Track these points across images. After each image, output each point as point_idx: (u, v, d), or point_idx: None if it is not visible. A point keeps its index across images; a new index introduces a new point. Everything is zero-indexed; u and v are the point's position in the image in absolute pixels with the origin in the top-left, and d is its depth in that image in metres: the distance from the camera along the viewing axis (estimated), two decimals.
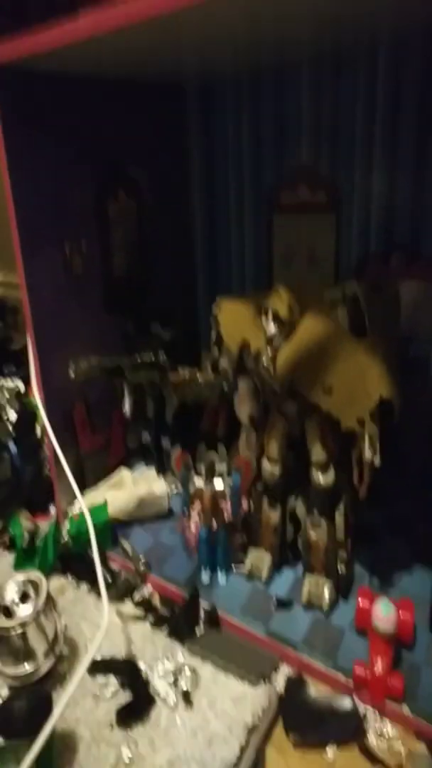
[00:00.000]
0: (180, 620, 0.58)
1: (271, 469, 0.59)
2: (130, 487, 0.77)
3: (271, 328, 0.54)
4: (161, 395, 0.78)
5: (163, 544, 0.71)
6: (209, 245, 0.92)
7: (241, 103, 0.80)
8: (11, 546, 0.74)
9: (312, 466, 0.57)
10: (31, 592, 0.56)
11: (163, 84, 0.80)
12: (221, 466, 0.62)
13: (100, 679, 0.54)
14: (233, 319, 0.58)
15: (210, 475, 0.62)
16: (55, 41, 0.51)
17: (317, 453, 0.56)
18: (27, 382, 1.13)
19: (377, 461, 0.50)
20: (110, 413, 0.81)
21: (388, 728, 0.48)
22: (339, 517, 0.58)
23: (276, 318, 0.54)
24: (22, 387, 1.07)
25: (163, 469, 0.82)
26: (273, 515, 0.61)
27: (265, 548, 0.62)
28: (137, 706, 0.50)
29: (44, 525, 0.74)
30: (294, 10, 0.46)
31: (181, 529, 0.67)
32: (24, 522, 0.73)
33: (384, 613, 0.48)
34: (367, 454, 0.50)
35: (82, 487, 0.76)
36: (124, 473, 0.79)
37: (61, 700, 0.43)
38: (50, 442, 0.71)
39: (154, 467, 0.82)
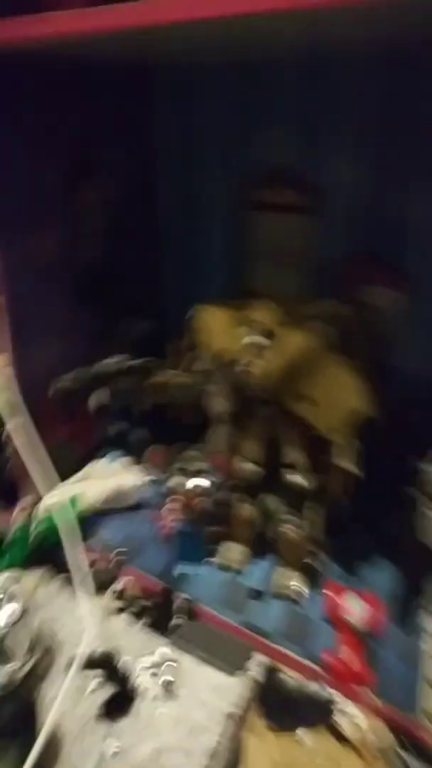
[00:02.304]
0: (158, 612, 0.61)
1: (246, 467, 0.62)
2: (102, 478, 0.78)
3: (255, 338, 0.56)
4: (133, 389, 0.78)
5: (137, 535, 0.73)
6: (179, 239, 0.91)
7: (214, 94, 0.78)
8: None
9: (284, 467, 0.60)
10: (11, 591, 0.58)
11: (130, 68, 0.78)
12: (200, 464, 0.64)
13: (84, 672, 0.56)
14: (211, 327, 0.60)
15: (188, 472, 0.64)
16: (31, 34, 0.49)
17: (290, 454, 0.59)
18: None
19: (355, 470, 0.53)
20: (77, 404, 0.82)
21: (353, 710, 0.52)
22: (309, 513, 0.61)
23: (259, 329, 0.56)
24: None
25: (136, 460, 0.83)
26: (247, 510, 0.64)
27: (239, 541, 0.65)
28: (121, 699, 0.53)
29: (12, 521, 0.75)
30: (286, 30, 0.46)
31: (156, 520, 0.70)
32: None
33: (351, 605, 0.52)
34: (348, 466, 0.53)
35: (52, 479, 0.76)
36: (96, 464, 0.80)
37: (57, 701, 0.45)
38: (21, 432, 0.71)
39: (126, 457, 0.83)
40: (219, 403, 0.65)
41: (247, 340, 0.56)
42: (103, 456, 0.86)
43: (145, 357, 0.77)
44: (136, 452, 0.83)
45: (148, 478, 0.80)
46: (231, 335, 0.58)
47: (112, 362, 0.73)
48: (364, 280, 0.71)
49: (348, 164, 0.73)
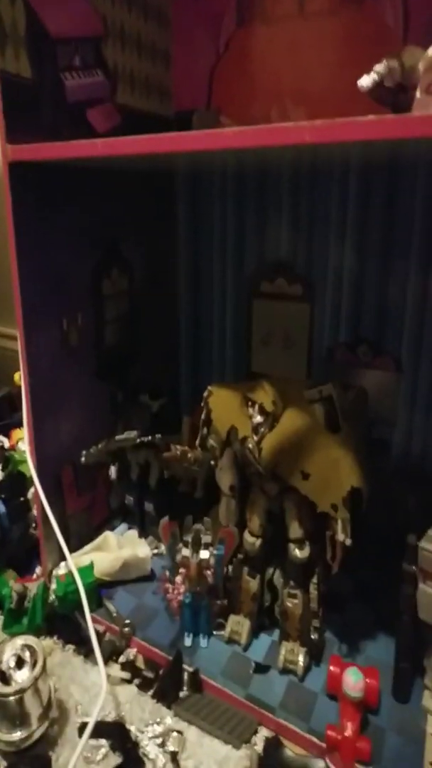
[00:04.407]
0: (165, 683, 0.63)
1: (252, 542, 0.65)
2: (115, 549, 0.81)
3: (257, 418, 0.61)
4: (146, 461, 0.83)
5: (145, 606, 0.75)
6: (193, 322, 1.00)
7: (226, 199, 0.89)
8: None
9: (289, 542, 0.63)
10: (27, 657, 0.60)
11: (155, 174, 0.89)
12: (207, 537, 0.68)
13: (91, 741, 0.57)
14: (222, 406, 0.65)
15: (196, 545, 0.68)
16: (73, 153, 0.58)
17: (294, 530, 0.63)
18: (7, 433, 1.17)
19: (348, 542, 0.57)
20: (94, 475, 0.86)
21: None
22: (313, 588, 0.64)
23: (261, 410, 0.61)
24: (5, 441, 1.10)
25: (144, 532, 0.86)
26: (252, 584, 0.67)
27: (244, 614, 0.68)
28: None
29: (31, 585, 0.77)
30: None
31: (163, 592, 0.72)
32: (13, 583, 0.76)
33: (353, 681, 0.54)
34: (340, 536, 0.57)
35: (67, 548, 0.80)
36: (108, 535, 0.84)
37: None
38: (40, 504, 0.75)
39: (137, 529, 0.87)
40: (227, 478, 0.69)
41: (252, 420, 0.62)
42: (115, 526, 0.90)
43: (159, 431, 0.83)
44: (147, 523, 0.86)
45: (157, 550, 0.83)
46: (239, 415, 0.63)
47: (128, 437, 0.79)
48: (354, 362, 0.79)
49: (335, 258, 0.81)
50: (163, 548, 0.81)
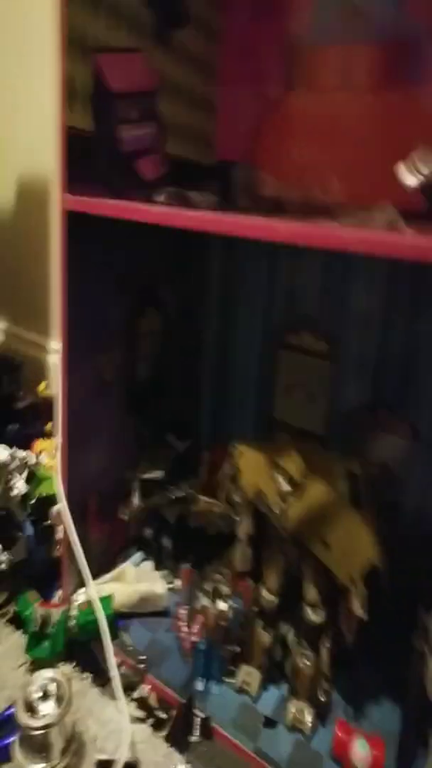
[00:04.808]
0: (177, 727, 0.67)
1: (270, 599, 0.68)
2: (133, 581, 0.84)
3: (286, 487, 0.64)
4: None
5: (160, 642, 0.78)
6: (218, 362, 1.02)
7: (259, 259, 0.91)
8: (12, 621, 0.81)
9: (305, 603, 0.66)
10: (54, 690, 0.63)
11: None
12: (225, 588, 0.71)
13: None
14: (251, 468, 0.68)
15: (215, 596, 0.71)
16: (128, 216, 0.61)
17: (311, 593, 0.66)
18: (29, 443, 1.20)
19: (365, 617, 0.60)
20: (116, 503, 0.89)
21: None
22: (324, 650, 0.67)
23: (291, 480, 0.64)
24: (32, 456, 1.13)
25: (160, 565, 0.90)
26: (265, 637, 0.70)
27: (256, 666, 0.71)
28: None
29: (54, 611, 0.80)
30: None
31: (176, 630, 0.76)
32: (36, 606, 0.79)
33: (361, 753, 0.58)
34: (357, 610, 0.60)
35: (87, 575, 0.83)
36: (127, 567, 0.87)
37: None
38: (66, 529, 0.78)
39: (153, 561, 0.90)
40: (245, 526, 0.72)
41: (280, 487, 0.65)
42: (131, 555, 0.93)
43: (181, 470, 0.86)
44: (163, 557, 0.90)
45: (171, 585, 0.86)
46: (267, 479, 0.66)
47: (154, 476, 0.82)
48: (372, 424, 0.82)
49: (361, 322, 0.83)
50: (177, 583, 0.84)
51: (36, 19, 1.30)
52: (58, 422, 0.78)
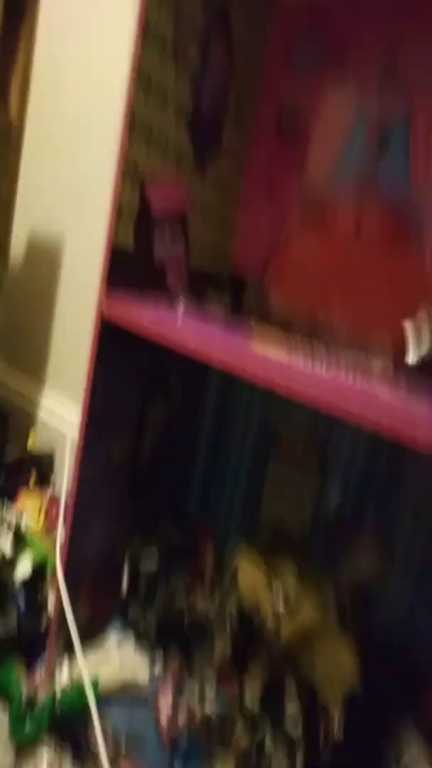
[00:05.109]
0: None
1: (251, 708, 0.73)
2: (116, 666, 0.87)
3: (281, 607, 0.69)
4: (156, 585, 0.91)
5: (138, 728, 0.81)
6: (211, 458, 1.07)
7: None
8: None
9: (285, 716, 0.71)
10: None
11: None
12: (210, 692, 0.75)
13: None
14: (248, 582, 0.73)
15: (201, 697, 0.75)
16: (160, 340, 0.66)
17: (291, 706, 0.70)
18: (14, 498, 1.20)
19: (341, 737, 0.65)
20: (107, 581, 0.93)
21: None
22: (300, 758, 0.71)
23: (286, 599, 0.69)
24: (21, 517, 1.15)
25: (142, 647, 0.93)
26: (244, 741, 0.74)
27: (234, 765, 0.75)
28: None
29: (39, 690, 0.82)
30: None
31: (156, 717, 0.79)
32: (23, 686, 0.81)
33: None
34: (335, 732, 0.65)
35: (72, 650, 0.85)
36: (111, 650, 0.90)
37: None
38: (59, 606, 0.81)
39: (134, 640, 0.93)
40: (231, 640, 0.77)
41: (276, 605, 0.70)
42: (113, 631, 0.95)
43: (174, 558, 0.91)
44: (145, 639, 0.93)
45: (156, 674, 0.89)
46: (264, 592, 0.72)
47: (148, 562, 0.86)
48: (352, 541, 0.87)
49: (352, 442, 0.89)
50: (159, 669, 0.88)
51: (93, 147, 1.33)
52: (62, 502, 0.82)
